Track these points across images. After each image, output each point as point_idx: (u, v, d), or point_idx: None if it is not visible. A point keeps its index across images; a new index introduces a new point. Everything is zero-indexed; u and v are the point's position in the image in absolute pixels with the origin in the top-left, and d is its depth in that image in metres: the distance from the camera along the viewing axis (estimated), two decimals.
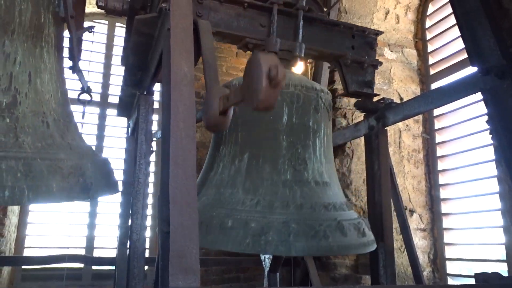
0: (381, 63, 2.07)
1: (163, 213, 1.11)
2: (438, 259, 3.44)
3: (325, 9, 2.33)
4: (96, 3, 2.09)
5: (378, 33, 2.08)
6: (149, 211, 4.13)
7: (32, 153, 1.39)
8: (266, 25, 1.79)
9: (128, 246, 2.94)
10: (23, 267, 3.80)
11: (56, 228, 4.13)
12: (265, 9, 1.79)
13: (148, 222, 3.59)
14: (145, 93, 1.99)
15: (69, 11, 1.72)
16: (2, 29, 1.46)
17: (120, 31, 4.59)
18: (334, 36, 1.97)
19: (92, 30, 2.12)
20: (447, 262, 3.35)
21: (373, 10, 3.77)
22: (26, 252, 3.98)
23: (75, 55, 2.00)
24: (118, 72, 4.59)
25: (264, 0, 1.80)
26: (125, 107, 2.57)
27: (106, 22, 4.54)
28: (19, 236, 3.93)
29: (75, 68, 2.05)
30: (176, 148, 1.07)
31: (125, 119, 2.81)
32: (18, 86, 1.48)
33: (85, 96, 2.24)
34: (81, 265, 3.88)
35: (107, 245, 4.25)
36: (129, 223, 1.96)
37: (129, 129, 2.80)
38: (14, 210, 3.68)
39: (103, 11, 2.09)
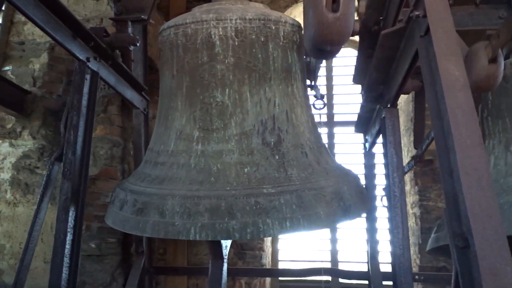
0: None
1: (455, 227, 1.05)
2: None
3: None
4: None
5: None
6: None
7: (300, 185, 1.50)
8: None
9: (377, 260, 3.00)
10: (280, 278, 4.25)
11: (302, 242, 4.49)
12: None
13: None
14: (389, 106, 1.98)
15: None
16: (262, 79, 1.64)
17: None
18: None
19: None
20: None
21: None
22: (280, 265, 4.44)
23: (314, 79, 2.19)
24: (339, 91, 4.77)
25: None
26: (363, 124, 2.62)
27: None
28: (273, 250, 4.42)
29: (312, 87, 2.25)
30: (464, 157, 1.00)
31: (352, 135, 2.86)
32: (280, 125, 1.62)
33: (319, 103, 2.40)
34: (328, 278, 4.08)
35: (349, 258, 4.37)
36: (390, 238, 1.95)
37: (366, 144, 2.84)
38: None
39: None
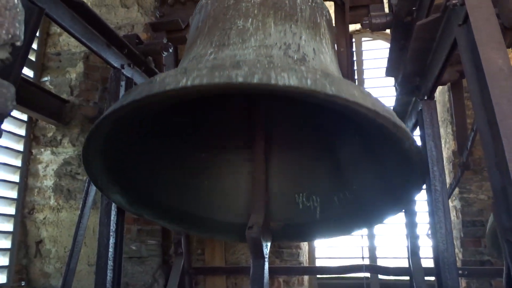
0: None
1: (504, 221, 1.01)
2: None
3: None
4: (360, 24, 2.19)
5: None
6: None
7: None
8: None
9: (423, 256, 2.93)
10: (318, 276, 4.23)
11: (339, 239, 4.44)
12: None
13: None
14: (426, 98, 1.93)
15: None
16: (289, 17, 1.54)
17: (367, 45, 4.71)
18: None
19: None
20: None
21: None
22: (317, 263, 4.41)
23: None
24: (371, 85, 4.70)
25: None
26: (398, 117, 2.56)
27: (353, 39, 4.73)
28: (310, 248, 4.39)
29: None
30: None
31: None
32: (305, 52, 1.45)
33: None
34: (367, 275, 4.03)
35: (387, 254, 4.29)
36: (429, 233, 1.90)
37: None
38: None
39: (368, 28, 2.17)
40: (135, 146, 1.68)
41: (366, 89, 1.22)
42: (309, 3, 1.62)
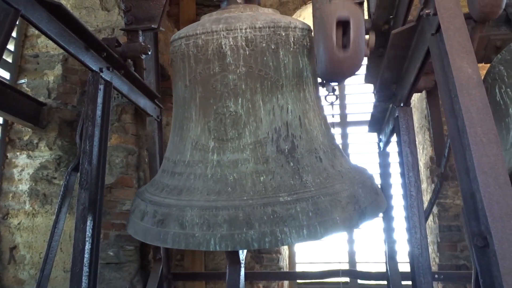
0: None
1: (473, 227, 1.04)
2: None
3: None
4: None
5: None
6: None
7: (315, 191, 1.48)
8: None
9: (395, 260, 2.97)
10: (298, 281, 4.23)
11: (319, 244, 4.47)
12: None
13: None
14: (402, 105, 1.96)
15: None
16: (274, 86, 1.61)
17: None
18: None
19: None
20: None
21: None
22: (298, 268, 4.42)
23: None
24: (352, 91, 4.75)
25: None
26: (376, 123, 2.60)
27: None
28: (291, 253, 4.40)
29: (324, 84, 2.22)
30: (480, 155, 0.99)
31: (365, 135, 2.85)
32: (293, 131, 1.60)
33: (331, 98, 2.37)
34: (347, 279, 4.06)
35: (366, 259, 4.34)
36: (408, 238, 1.93)
37: (381, 143, 2.82)
38: None
39: None
40: None
41: (350, 174, 1.68)
42: (291, 49, 1.65)
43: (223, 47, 1.57)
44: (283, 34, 1.62)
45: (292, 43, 1.64)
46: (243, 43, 1.57)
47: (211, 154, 1.55)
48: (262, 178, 1.47)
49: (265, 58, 1.59)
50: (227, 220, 1.34)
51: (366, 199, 1.62)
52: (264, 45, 1.59)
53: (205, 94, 1.62)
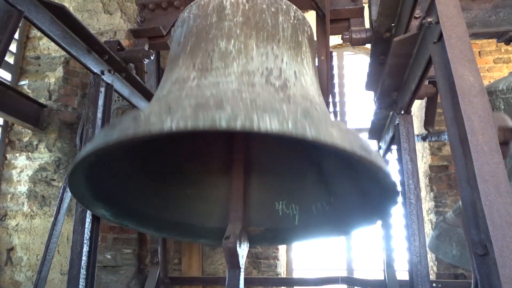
0: None
1: (473, 235, 1.04)
2: None
3: None
4: (341, 37, 2.22)
5: None
6: None
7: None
8: None
9: (393, 268, 2.96)
10: (295, 287, 4.22)
11: (316, 250, 4.46)
12: None
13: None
14: (402, 112, 1.97)
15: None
16: (271, 38, 1.55)
17: (350, 59, 4.78)
18: None
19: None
20: None
21: None
22: (295, 274, 4.41)
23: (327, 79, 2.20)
24: (352, 98, 4.76)
25: None
26: (376, 130, 2.61)
27: (335, 53, 4.80)
28: (288, 259, 4.39)
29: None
30: (481, 164, 0.99)
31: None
32: (287, 76, 1.46)
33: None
34: (344, 286, 4.04)
35: (364, 266, 4.32)
36: (407, 246, 1.93)
37: (381, 151, 2.82)
38: None
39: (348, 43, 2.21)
40: (118, 169, 1.67)
41: (345, 125, 1.23)
42: (291, 21, 1.64)
43: (224, 2, 1.56)
44: (284, 6, 1.62)
45: (292, 17, 1.63)
46: (244, 0, 1.56)
47: (190, 81, 1.37)
48: (244, 94, 1.20)
49: (263, 15, 1.55)
50: (192, 105, 1.06)
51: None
52: (264, 6, 1.57)
53: (197, 41, 1.54)
